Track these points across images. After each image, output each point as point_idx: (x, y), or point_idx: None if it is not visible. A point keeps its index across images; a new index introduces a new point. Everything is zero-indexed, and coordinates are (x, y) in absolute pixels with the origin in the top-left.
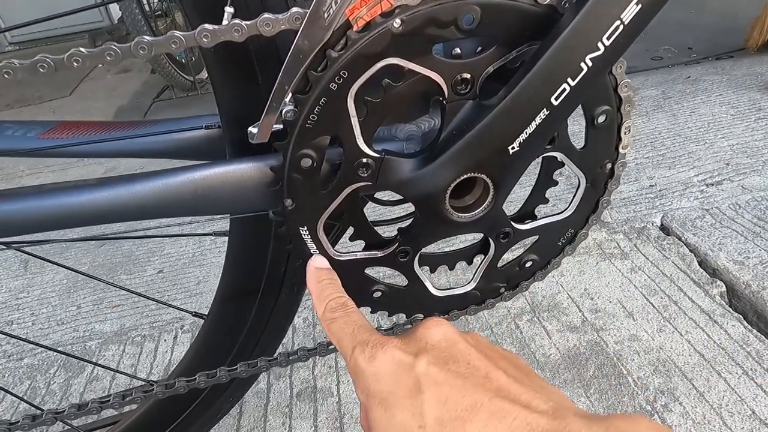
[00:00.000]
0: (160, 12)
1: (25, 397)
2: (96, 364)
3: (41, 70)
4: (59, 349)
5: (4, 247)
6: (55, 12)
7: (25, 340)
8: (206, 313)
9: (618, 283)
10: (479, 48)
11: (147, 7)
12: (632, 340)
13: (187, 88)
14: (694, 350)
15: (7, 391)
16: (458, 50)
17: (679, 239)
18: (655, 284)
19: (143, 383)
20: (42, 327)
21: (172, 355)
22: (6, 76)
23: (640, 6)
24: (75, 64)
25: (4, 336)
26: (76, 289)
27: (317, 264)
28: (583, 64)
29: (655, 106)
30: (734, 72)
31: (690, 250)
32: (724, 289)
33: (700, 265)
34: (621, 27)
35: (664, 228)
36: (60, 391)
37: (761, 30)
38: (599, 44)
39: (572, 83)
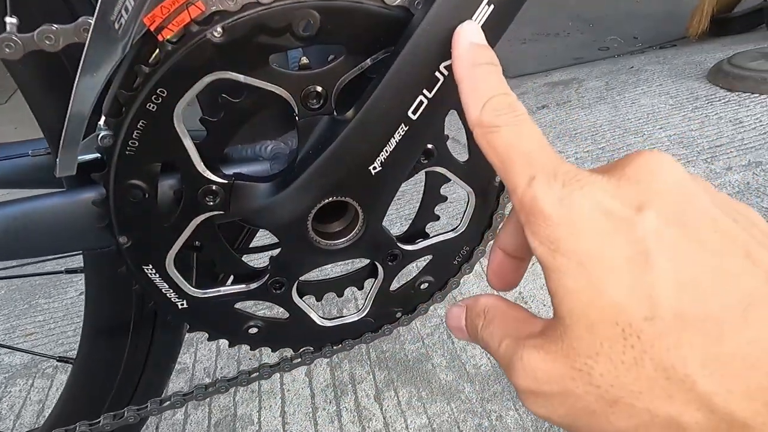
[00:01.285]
0: None
1: None
2: None
3: None
4: None
5: None
6: None
7: None
8: (74, 357)
9: None
10: (331, 56)
11: None
12: None
13: None
14: None
15: None
16: (305, 60)
17: None
18: None
19: None
20: None
21: None
22: None
23: (492, 6)
24: None
25: None
26: None
27: (471, 37)
28: (438, 74)
29: (598, 98)
30: (675, 61)
31: None
32: None
33: None
34: None
35: None
36: None
37: (700, 18)
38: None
39: (429, 95)
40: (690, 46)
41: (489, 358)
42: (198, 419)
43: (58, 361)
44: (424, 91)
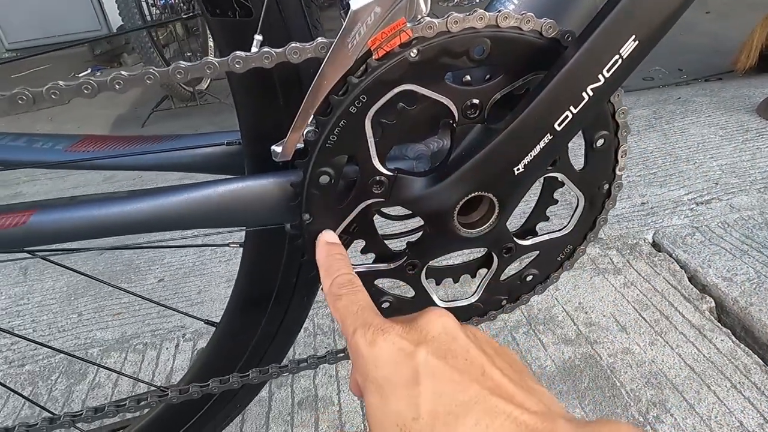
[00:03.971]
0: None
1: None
2: (106, 368)
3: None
4: (64, 350)
5: (30, 255)
6: (53, 19)
7: (31, 340)
8: (218, 321)
9: (611, 298)
10: (488, 76)
11: (148, 16)
12: (625, 353)
13: (187, 98)
14: (684, 364)
15: (22, 395)
16: (468, 77)
17: (670, 256)
18: (647, 299)
19: (156, 388)
20: (43, 334)
21: (174, 363)
22: (53, 96)
23: (637, 42)
24: (116, 86)
25: (5, 342)
26: (77, 296)
27: (328, 238)
28: (584, 94)
29: (647, 126)
30: (722, 94)
31: (680, 267)
32: (713, 304)
33: (690, 281)
34: (620, 60)
35: (655, 244)
36: (62, 398)
37: (749, 54)
38: (600, 76)
39: (574, 111)
40: (736, 81)
41: (553, 360)
42: (282, 398)
43: (205, 323)
44: (571, 108)
